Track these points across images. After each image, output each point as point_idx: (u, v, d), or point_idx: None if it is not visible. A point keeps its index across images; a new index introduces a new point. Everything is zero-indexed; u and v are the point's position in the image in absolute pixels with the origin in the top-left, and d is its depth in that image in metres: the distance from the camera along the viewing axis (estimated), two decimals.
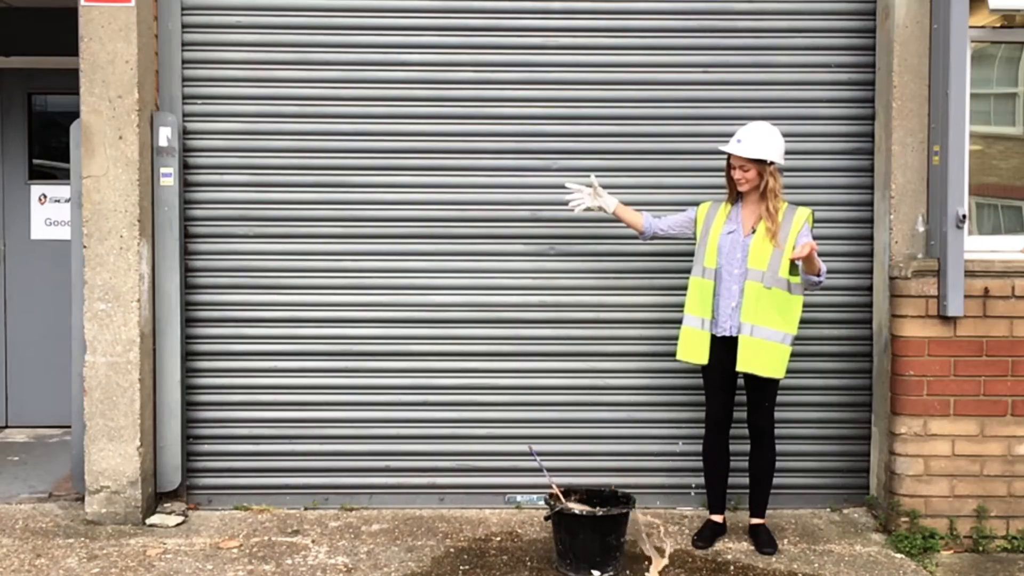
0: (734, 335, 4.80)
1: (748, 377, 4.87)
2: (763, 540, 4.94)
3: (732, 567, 4.72)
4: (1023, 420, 5.07)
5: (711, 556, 4.85)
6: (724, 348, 4.84)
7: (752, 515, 5.05)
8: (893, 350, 5.15)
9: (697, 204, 5.05)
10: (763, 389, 4.88)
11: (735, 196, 4.91)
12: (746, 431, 5.03)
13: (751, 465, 5.02)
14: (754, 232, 4.80)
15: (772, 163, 4.75)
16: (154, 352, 5.30)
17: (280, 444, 5.50)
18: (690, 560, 4.80)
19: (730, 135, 5.43)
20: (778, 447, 5.46)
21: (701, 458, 5.10)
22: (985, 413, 5.06)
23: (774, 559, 4.82)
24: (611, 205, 5.07)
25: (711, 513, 5.08)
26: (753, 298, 4.74)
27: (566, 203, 5.12)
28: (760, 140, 4.76)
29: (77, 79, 5.10)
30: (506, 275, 5.51)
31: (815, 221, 4.91)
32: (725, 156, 4.87)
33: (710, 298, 4.84)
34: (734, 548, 4.95)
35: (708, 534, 5.00)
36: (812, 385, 5.51)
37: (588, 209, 5.09)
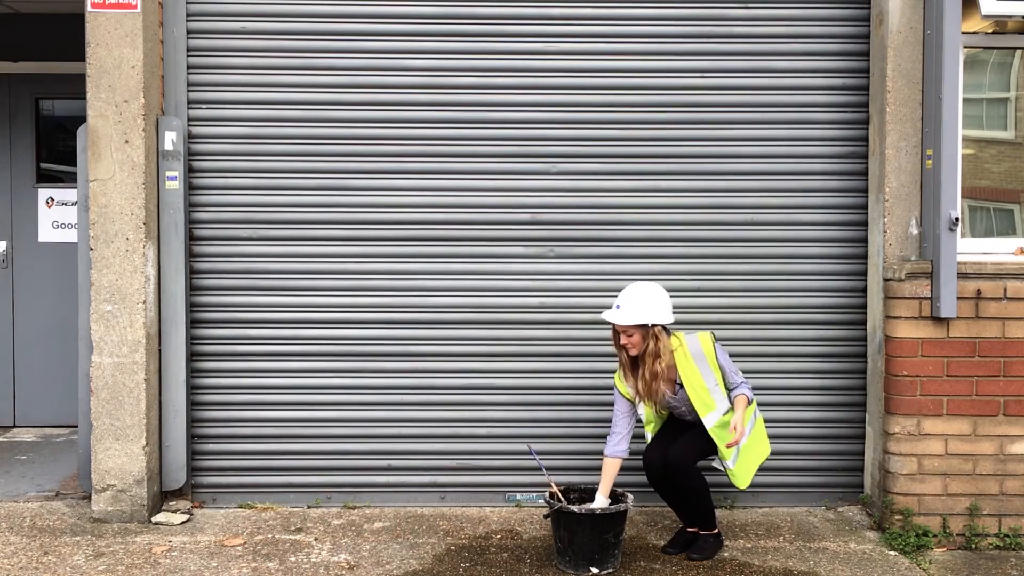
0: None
1: (699, 426, 4.79)
2: (696, 545, 4.86)
3: (728, 565, 4.77)
4: (1015, 419, 5.13)
5: None
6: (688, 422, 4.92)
7: (700, 527, 4.94)
8: (887, 351, 5.21)
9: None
10: (702, 438, 4.78)
11: (631, 361, 4.78)
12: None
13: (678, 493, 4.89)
14: (680, 387, 4.76)
15: (654, 325, 4.68)
16: (159, 352, 5.37)
17: (283, 443, 5.57)
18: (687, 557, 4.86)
19: (727, 139, 5.53)
20: (775, 446, 5.52)
21: None
22: (978, 413, 5.12)
23: (769, 557, 4.88)
24: (604, 501, 4.78)
25: (685, 525, 5.00)
26: (725, 436, 4.68)
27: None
28: (638, 304, 4.65)
29: (84, 84, 5.16)
30: (506, 276, 5.57)
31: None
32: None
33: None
34: (730, 545, 5.01)
35: (681, 542, 4.93)
36: (807, 385, 5.57)
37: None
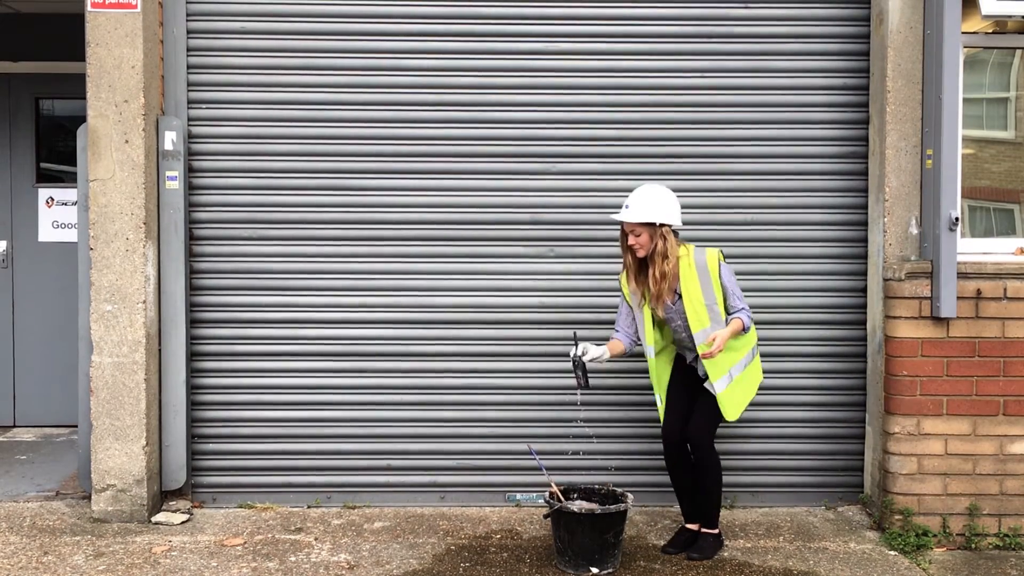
0: (702, 376, 4.81)
1: (705, 393, 4.80)
2: (696, 545, 4.85)
3: (728, 565, 4.77)
4: (1015, 419, 5.13)
5: None
6: (691, 372, 4.87)
7: (703, 524, 4.94)
8: (887, 351, 5.21)
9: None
10: (713, 405, 4.78)
11: (637, 264, 4.80)
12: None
13: (693, 473, 4.89)
14: (680, 296, 4.76)
15: (662, 225, 4.69)
16: (159, 352, 5.37)
17: (283, 443, 5.57)
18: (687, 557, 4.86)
19: (727, 139, 5.54)
20: (775, 446, 5.55)
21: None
22: (977, 412, 5.12)
23: (769, 557, 4.88)
24: (605, 354, 4.87)
25: (685, 521, 5.01)
26: (714, 358, 4.69)
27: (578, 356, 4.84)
28: (647, 203, 4.68)
29: (84, 84, 5.16)
30: (506, 276, 5.57)
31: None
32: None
33: (665, 376, 4.95)
34: (730, 545, 5.00)
35: (680, 541, 4.93)
36: (807, 385, 5.57)
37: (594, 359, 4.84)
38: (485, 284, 5.57)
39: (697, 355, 4.79)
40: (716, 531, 4.91)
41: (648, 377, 5.44)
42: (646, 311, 4.87)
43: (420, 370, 5.57)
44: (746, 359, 4.81)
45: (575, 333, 4.92)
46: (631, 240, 4.73)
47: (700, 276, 4.72)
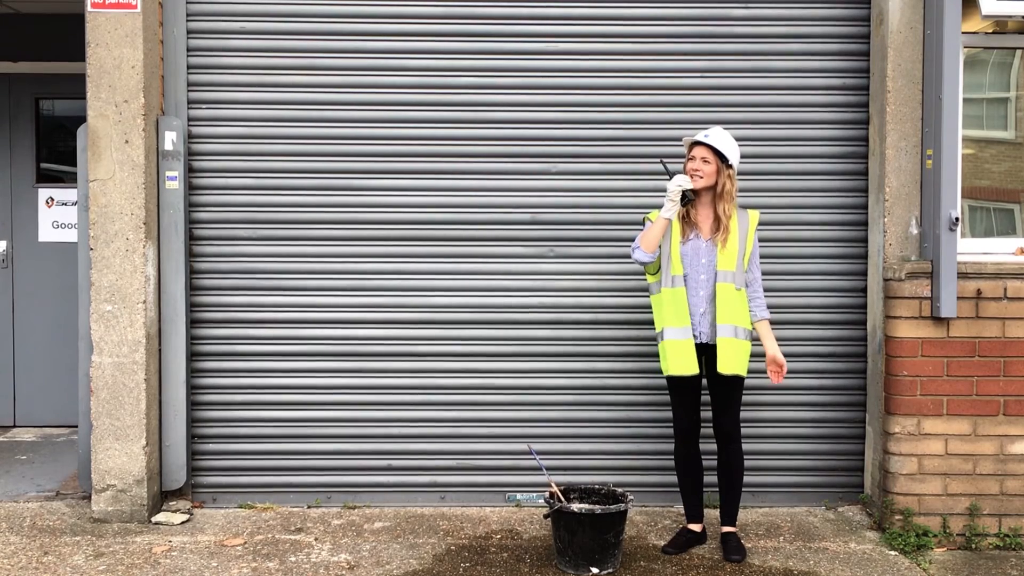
0: (707, 341, 4.75)
1: (718, 381, 4.78)
2: (731, 547, 4.84)
3: (729, 564, 4.77)
4: (1015, 419, 5.13)
5: (707, 554, 4.90)
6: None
7: (723, 523, 4.95)
8: (887, 351, 5.22)
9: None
10: (732, 391, 4.81)
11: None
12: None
13: (720, 471, 4.90)
14: (714, 235, 4.77)
15: (731, 165, 4.77)
16: (160, 353, 5.37)
17: (283, 443, 5.57)
18: (687, 558, 4.85)
19: None
20: (775, 446, 5.55)
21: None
22: (978, 413, 5.12)
23: (769, 557, 4.88)
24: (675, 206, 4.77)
25: (688, 522, 5.00)
26: (728, 300, 4.70)
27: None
28: (727, 140, 4.78)
29: (84, 84, 5.16)
30: (506, 276, 5.57)
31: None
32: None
33: (685, 305, 4.74)
34: None
35: (681, 542, 4.93)
36: (808, 385, 5.57)
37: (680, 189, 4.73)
38: (485, 284, 5.57)
39: (706, 331, 4.75)
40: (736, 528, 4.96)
41: (646, 376, 5.46)
42: (675, 245, 4.79)
43: (420, 370, 5.57)
44: (747, 334, 4.78)
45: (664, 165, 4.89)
46: (697, 165, 4.75)
47: (740, 227, 4.77)
